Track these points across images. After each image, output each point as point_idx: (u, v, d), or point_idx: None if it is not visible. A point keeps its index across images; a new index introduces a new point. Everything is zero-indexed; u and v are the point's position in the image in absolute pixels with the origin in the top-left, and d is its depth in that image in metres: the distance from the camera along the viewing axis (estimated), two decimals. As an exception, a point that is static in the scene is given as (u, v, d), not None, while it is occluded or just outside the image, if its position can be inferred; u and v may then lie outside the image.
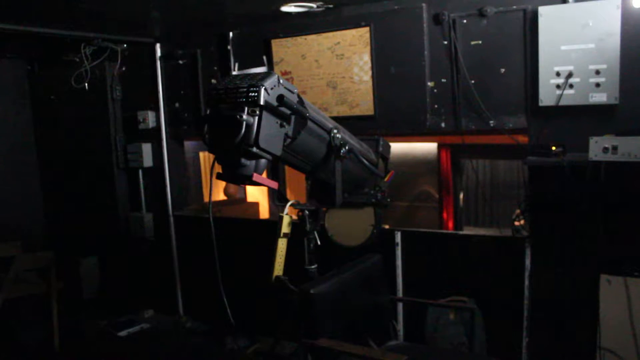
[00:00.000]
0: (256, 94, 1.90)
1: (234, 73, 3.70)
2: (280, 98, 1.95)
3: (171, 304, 4.85)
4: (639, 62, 2.81)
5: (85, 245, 5.17)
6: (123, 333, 4.53)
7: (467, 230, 4.95)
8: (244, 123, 1.88)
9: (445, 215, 5.10)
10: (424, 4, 3.35)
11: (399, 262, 3.65)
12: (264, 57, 3.95)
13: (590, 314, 2.99)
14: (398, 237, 3.65)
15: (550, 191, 3.11)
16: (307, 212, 2.72)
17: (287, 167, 3.84)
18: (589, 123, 2.92)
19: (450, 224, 5.08)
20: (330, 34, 3.67)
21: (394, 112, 3.57)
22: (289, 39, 3.85)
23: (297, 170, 2.46)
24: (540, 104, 3.02)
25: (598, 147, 2.71)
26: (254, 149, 1.92)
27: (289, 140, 2.12)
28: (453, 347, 3.38)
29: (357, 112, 3.69)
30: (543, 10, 2.95)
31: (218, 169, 2.16)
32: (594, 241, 2.95)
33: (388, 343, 2.84)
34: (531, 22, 3.04)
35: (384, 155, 2.95)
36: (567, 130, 3.02)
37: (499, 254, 3.35)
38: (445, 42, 3.33)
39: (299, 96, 2.14)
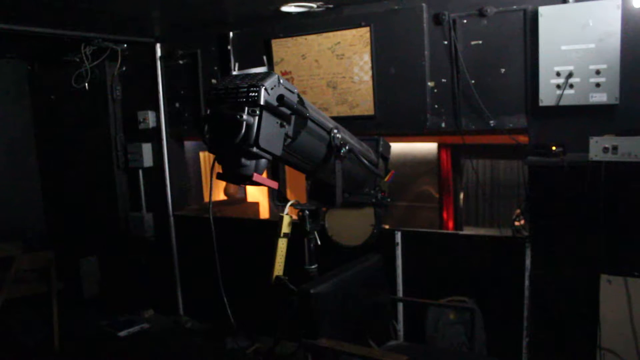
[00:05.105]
0: (256, 94, 1.90)
1: (234, 73, 3.69)
2: (280, 98, 1.95)
3: (171, 304, 4.85)
4: (639, 62, 2.81)
5: (85, 245, 5.17)
6: (123, 333, 4.53)
7: (467, 230, 4.94)
8: (244, 123, 1.88)
9: (445, 215, 5.10)
10: (424, 4, 3.35)
11: (399, 262, 3.65)
12: (264, 57, 3.95)
13: (590, 314, 2.99)
14: (398, 237, 3.65)
15: (550, 191, 3.11)
16: (307, 212, 2.72)
17: (287, 167, 3.84)
18: (589, 123, 2.92)
19: (450, 224, 5.08)
20: (330, 34, 3.67)
21: (394, 112, 3.57)
22: (289, 39, 3.85)
23: (297, 170, 2.46)
24: (541, 104, 3.02)
25: (598, 147, 2.71)
26: (254, 149, 1.92)
27: (289, 140, 2.12)
28: (453, 347, 3.38)
29: (357, 112, 3.69)
30: (543, 10, 2.95)
31: (218, 169, 2.16)
32: (594, 241, 2.95)
33: (388, 343, 2.84)
34: (531, 22, 3.04)
35: (384, 155, 2.95)
36: (567, 130, 3.02)
37: (499, 254, 3.35)
38: (446, 42, 3.33)
39: (299, 96, 2.14)
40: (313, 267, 2.76)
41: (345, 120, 3.39)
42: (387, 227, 3.80)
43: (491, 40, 3.20)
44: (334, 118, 2.74)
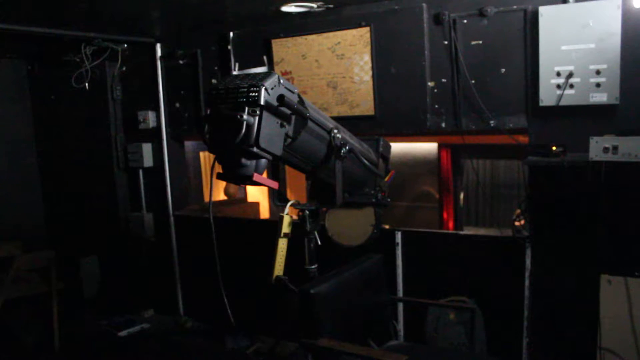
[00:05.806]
0: (256, 93, 1.90)
1: (235, 73, 3.70)
2: (280, 98, 1.95)
3: (171, 304, 4.85)
4: (639, 62, 2.81)
5: (85, 245, 5.17)
6: (123, 333, 4.53)
7: (467, 230, 4.94)
8: (244, 123, 1.88)
9: (445, 215, 5.10)
10: (424, 4, 3.35)
11: (399, 262, 3.65)
12: (264, 57, 3.95)
13: (590, 314, 2.99)
14: (398, 237, 3.65)
15: (550, 191, 3.12)
16: (307, 212, 2.71)
17: (287, 167, 3.84)
18: (589, 123, 2.92)
19: (451, 224, 5.08)
20: (330, 34, 3.67)
21: (394, 112, 3.57)
22: (289, 39, 3.84)
23: (297, 170, 2.46)
24: (541, 104, 3.02)
25: (598, 147, 2.72)
26: (255, 149, 1.92)
27: (289, 140, 2.12)
28: (453, 347, 3.38)
29: (357, 112, 3.69)
30: (543, 10, 2.95)
31: (218, 169, 2.16)
32: (594, 241, 2.95)
33: (388, 343, 2.84)
34: (531, 22, 3.04)
35: (384, 155, 2.95)
36: (567, 130, 3.02)
37: (499, 254, 3.35)
38: (446, 42, 3.33)
39: (299, 96, 2.14)
40: (313, 267, 2.75)
41: (345, 120, 3.40)
42: (387, 227, 3.80)
43: (491, 40, 3.20)
44: (334, 118, 2.74)
